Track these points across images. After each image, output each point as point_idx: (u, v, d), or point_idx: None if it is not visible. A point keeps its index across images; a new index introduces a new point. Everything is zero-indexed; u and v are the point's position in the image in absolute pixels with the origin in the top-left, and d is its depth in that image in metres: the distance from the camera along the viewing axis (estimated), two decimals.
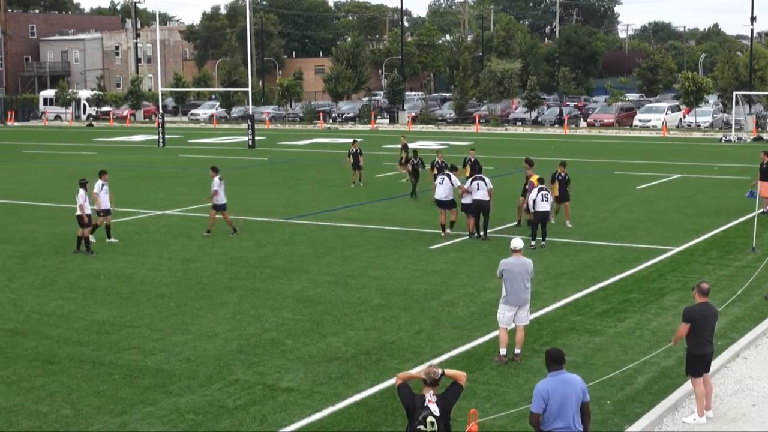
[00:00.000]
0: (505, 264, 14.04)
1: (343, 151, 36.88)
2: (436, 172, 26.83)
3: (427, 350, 14.61)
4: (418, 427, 8.50)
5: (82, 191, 22.69)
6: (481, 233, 23.68)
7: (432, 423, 8.50)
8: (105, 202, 23.72)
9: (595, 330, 15.69)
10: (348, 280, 19.51)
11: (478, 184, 23.50)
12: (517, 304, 13.98)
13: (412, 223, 26.26)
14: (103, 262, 21.59)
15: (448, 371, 8.95)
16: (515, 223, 25.68)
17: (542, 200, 22.27)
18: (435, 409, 8.55)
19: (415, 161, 31.45)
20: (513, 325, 14.11)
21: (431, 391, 8.62)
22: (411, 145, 36.39)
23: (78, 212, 22.46)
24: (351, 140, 37.73)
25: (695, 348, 11.86)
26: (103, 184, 23.73)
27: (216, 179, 24.46)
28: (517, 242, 14.17)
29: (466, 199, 23.65)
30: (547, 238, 22.71)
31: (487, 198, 23.38)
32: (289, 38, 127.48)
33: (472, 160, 27.81)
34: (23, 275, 20.35)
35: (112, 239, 23.85)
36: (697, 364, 11.87)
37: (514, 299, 13.96)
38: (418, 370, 9.26)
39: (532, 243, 22.20)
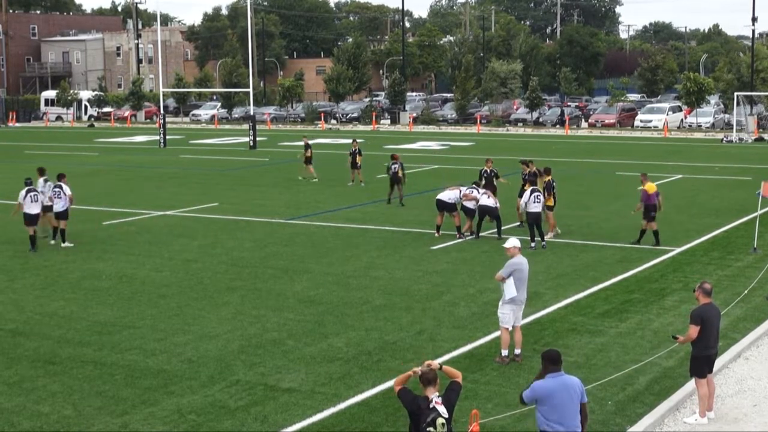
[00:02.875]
0: (515, 264, 14.02)
1: (344, 152, 36.92)
2: (483, 182, 25.49)
3: (429, 350, 14.60)
4: (427, 429, 8.48)
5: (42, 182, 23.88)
6: (479, 234, 24.06)
7: (443, 425, 8.49)
8: (58, 204, 23.55)
9: (597, 330, 15.69)
10: (349, 280, 19.52)
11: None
12: (522, 303, 14.12)
13: (413, 224, 26.26)
14: (104, 262, 21.61)
15: (445, 367, 8.97)
16: (517, 224, 25.64)
17: (534, 201, 22.45)
18: (443, 410, 8.54)
19: (395, 165, 29.45)
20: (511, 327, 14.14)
21: (434, 392, 8.61)
22: (411, 146, 36.33)
23: (32, 210, 22.85)
24: (350, 140, 37.74)
25: (701, 349, 11.81)
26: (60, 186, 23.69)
27: (41, 181, 24.17)
28: (515, 241, 14.22)
29: (469, 204, 23.86)
30: (546, 239, 22.79)
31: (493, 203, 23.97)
32: (291, 39, 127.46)
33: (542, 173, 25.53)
34: (25, 276, 20.36)
35: (66, 243, 23.55)
36: (702, 365, 11.85)
37: (521, 298, 14.07)
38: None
39: (532, 244, 22.32)
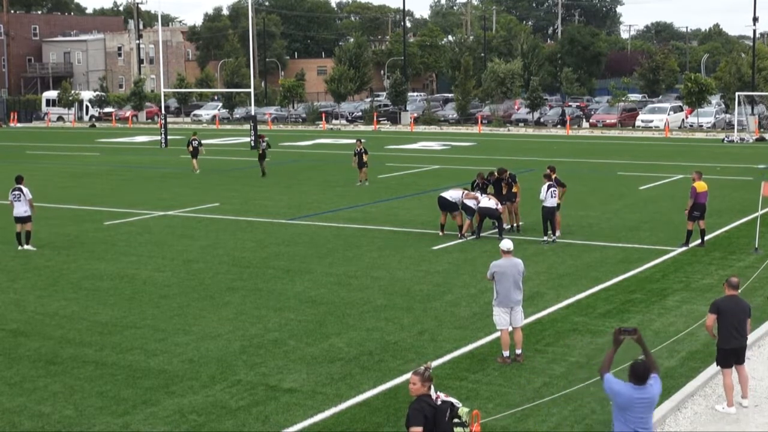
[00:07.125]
0: (496, 266, 14.03)
1: (344, 152, 36.96)
2: (493, 189, 25.06)
3: (430, 351, 14.60)
4: (453, 421, 8.45)
5: None
6: (480, 234, 24.06)
7: (467, 413, 8.53)
8: (17, 209, 23.16)
9: (598, 330, 15.68)
10: (350, 280, 19.52)
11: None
12: (510, 305, 13.94)
13: (415, 224, 26.26)
14: (105, 263, 21.61)
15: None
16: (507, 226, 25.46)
17: (551, 197, 22.96)
18: (455, 401, 8.55)
19: (263, 143, 38.68)
20: (510, 328, 14.10)
21: (431, 389, 8.52)
22: (412, 146, 36.34)
23: None
24: (354, 140, 37.78)
25: (722, 341, 12.05)
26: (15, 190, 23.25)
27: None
28: (506, 243, 14.18)
29: (470, 202, 23.88)
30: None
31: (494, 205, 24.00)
32: (292, 39, 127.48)
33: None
34: (26, 276, 20.37)
35: (28, 246, 23.25)
36: (725, 356, 12.10)
37: (507, 300, 13.94)
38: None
39: (545, 238, 23.01)
